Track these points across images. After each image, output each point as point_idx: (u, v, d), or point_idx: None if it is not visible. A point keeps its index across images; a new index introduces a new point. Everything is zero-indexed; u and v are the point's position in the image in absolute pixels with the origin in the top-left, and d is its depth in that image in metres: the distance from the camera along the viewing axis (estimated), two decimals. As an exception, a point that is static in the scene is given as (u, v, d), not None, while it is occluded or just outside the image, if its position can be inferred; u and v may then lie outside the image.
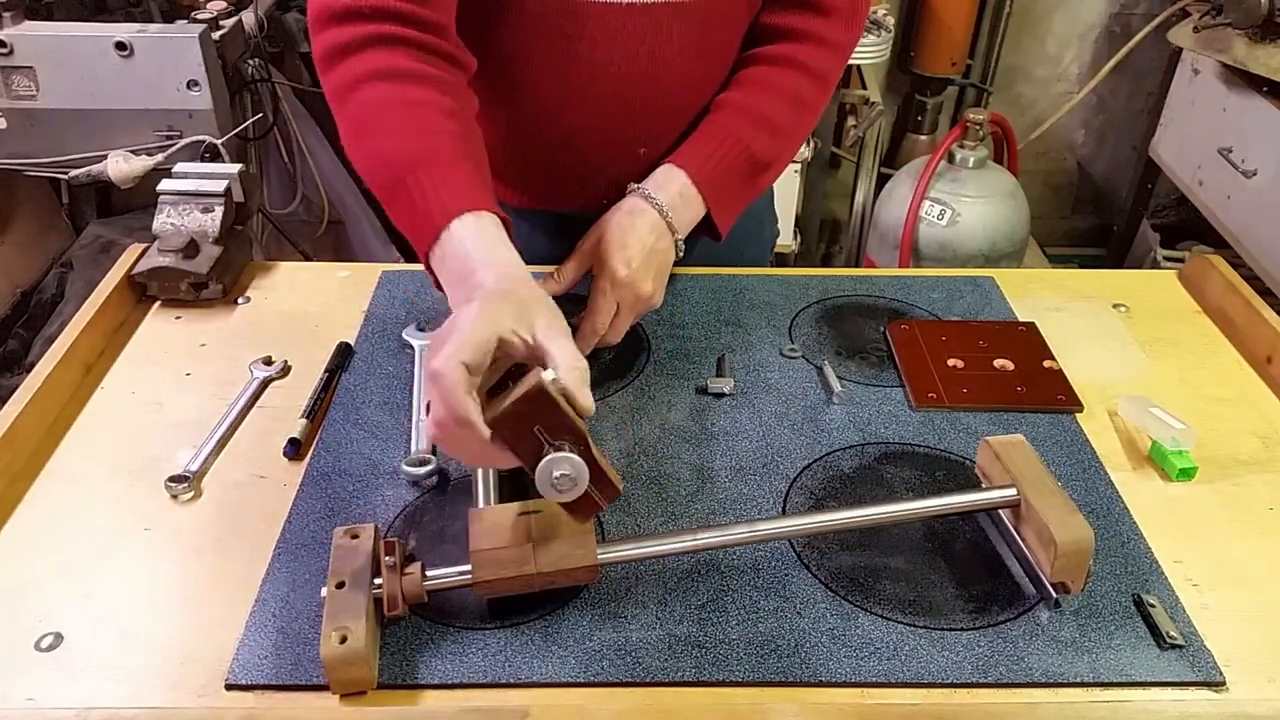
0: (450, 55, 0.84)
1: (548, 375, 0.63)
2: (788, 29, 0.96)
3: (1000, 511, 0.74)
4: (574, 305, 0.89)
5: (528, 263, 0.73)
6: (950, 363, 0.92)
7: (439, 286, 0.76)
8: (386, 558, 0.64)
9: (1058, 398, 0.88)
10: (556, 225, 1.04)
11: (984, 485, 0.75)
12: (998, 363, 0.92)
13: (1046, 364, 0.92)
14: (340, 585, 0.63)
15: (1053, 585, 0.68)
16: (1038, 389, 0.89)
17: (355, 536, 0.67)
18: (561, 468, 0.63)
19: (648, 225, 0.90)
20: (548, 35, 0.88)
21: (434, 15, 0.81)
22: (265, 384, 0.90)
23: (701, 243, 0.99)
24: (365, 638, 0.61)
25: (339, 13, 0.80)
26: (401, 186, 0.76)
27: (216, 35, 1.82)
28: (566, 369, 0.64)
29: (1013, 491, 0.71)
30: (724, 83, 0.98)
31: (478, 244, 0.72)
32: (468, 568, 0.65)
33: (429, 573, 0.66)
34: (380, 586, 0.64)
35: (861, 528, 0.73)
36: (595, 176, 0.99)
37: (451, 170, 0.76)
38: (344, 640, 0.60)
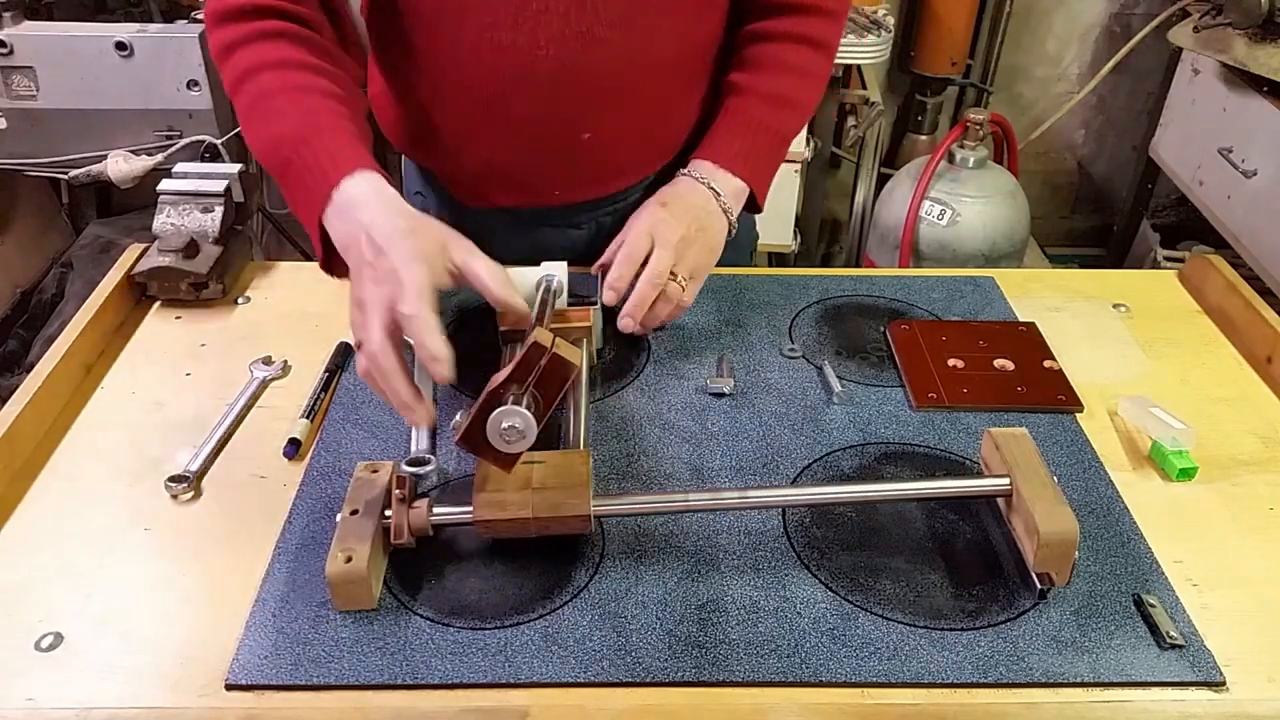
0: (330, 51, 0.89)
1: (545, 337, 0.70)
2: (784, 2, 0.97)
3: (1000, 505, 0.74)
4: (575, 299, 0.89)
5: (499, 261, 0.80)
6: (950, 363, 0.92)
7: (325, 256, 0.82)
8: (397, 491, 0.69)
9: (1058, 398, 0.88)
10: (520, 223, 1.04)
11: (984, 475, 0.76)
12: (998, 363, 0.92)
13: (1047, 364, 0.92)
14: (354, 513, 0.69)
15: (1037, 576, 0.68)
16: (1038, 389, 0.89)
17: (375, 471, 0.72)
18: (511, 419, 0.68)
19: (686, 185, 0.95)
20: (470, 25, 0.87)
21: (311, 14, 0.87)
22: (265, 384, 0.90)
23: None
24: (368, 560, 0.66)
25: (228, 12, 0.86)
26: (291, 164, 0.81)
27: (216, 35, 1.82)
28: (491, 277, 0.77)
29: (1006, 481, 0.71)
30: (701, 64, 0.99)
31: (368, 196, 0.77)
32: (469, 507, 0.69)
33: (435, 509, 0.70)
34: (390, 517, 0.69)
35: (851, 503, 0.76)
36: (543, 167, 0.98)
37: (335, 139, 0.81)
38: (349, 560, 0.65)
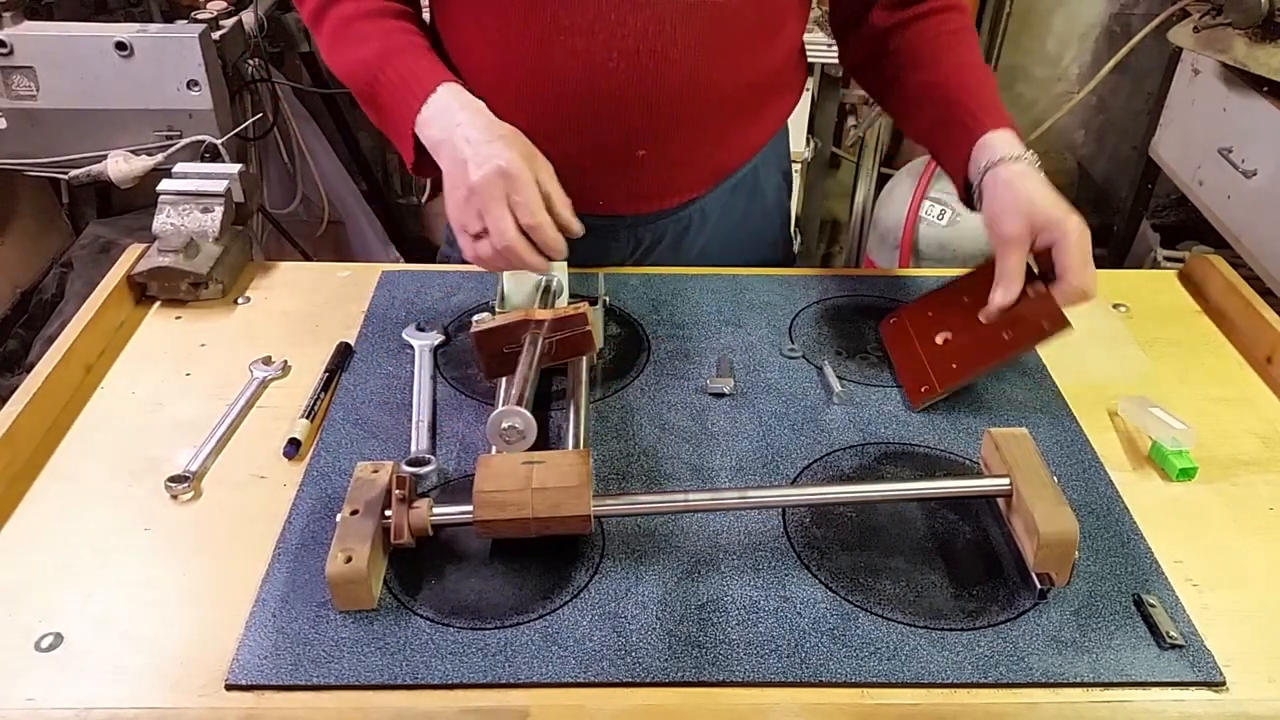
0: None
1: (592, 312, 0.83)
2: (927, 9, 0.96)
3: (1000, 506, 0.74)
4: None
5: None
6: (939, 339, 0.91)
7: (415, 159, 0.88)
8: (397, 490, 0.70)
9: (1042, 326, 0.83)
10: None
11: (984, 475, 0.76)
12: (983, 315, 0.87)
13: (1030, 291, 0.85)
14: (354, 513, 0.69)
15: (1037, 576, 0.68)
16: (1023, 325, 0.85)
17: (375, 471, 0.72)
18: (511, 419, 0.71)
19: (1028, 173, 0.85)
20: (545, 25, 0.88)
21: None
22: (265, 384, 0.90)
23: (704, 251, 1.01)
24: (368, 560, 0.66)
25: None
26: (380, 80, 0.87)
27: (216, 35, 1.82)
28: (563, 202, 0.83)
29: (1006, 481, 0.71)
30: (764, 82, 0.98)
31: (464, 103, 0.85)
32: (469, 507, 0.69)
33: (435, 509, 0.70)
34: (390, 517, 0.69)
35: (851, 503, 0.76)
36: (592, 177, 0.97)
37: (423, 57, 0.89)
38: (349, 560, 0.65)
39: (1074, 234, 0.81)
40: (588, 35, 0.87)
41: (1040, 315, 0.83)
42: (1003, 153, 0.85)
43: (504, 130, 0.83)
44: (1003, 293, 0.84)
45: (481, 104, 0.86)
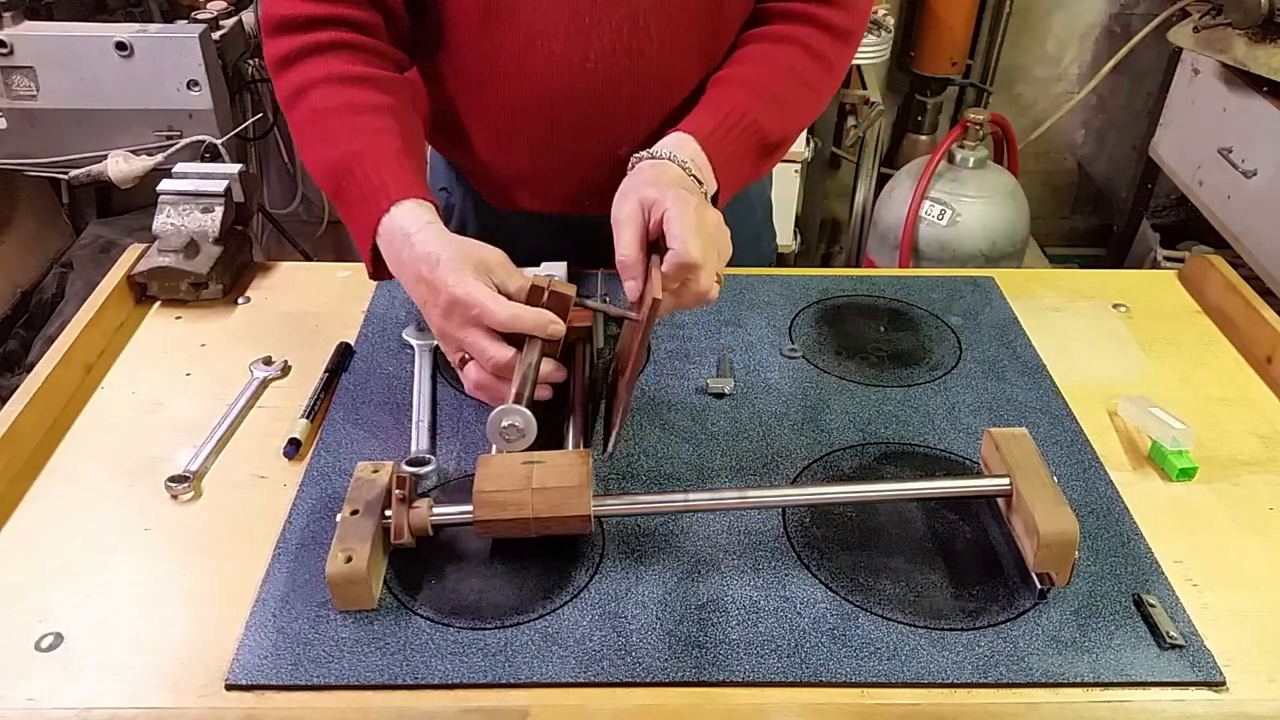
0: (384, 53, 0.88)
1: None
2: (787, 11, 0.94)
3: (1000, 506, 0.74)
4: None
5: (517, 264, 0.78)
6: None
7: (374, 268, 0.82)
8: (397, 491, 0.69)
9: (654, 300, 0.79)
10: (547, 229, 1.04)
11: (984, 475, 0.76)
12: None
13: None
14: (355, 513, 0.69)
15: (1037, 576, 0.68)
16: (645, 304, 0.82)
17: (375, 471, 0.72)
18: (511, 418, 0.71)
19: (649, 166, 0.83)
20: (522, 31, 0.87)
21: (368, 17, 0.86)
22: (265, 384, 0.90)
23: None
24: (368, 560, 0.66)
25: (282, 22, 0.85)
26: (342, 190, 0.82)
27: (216, 35, 1.82)
28: (496, 306, 0.73)
29: (1006, 481, 0.71)
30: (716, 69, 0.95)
31: (413, 222, 0.78)
32: (469, 507, 0.69)
33: (435, 509, 0.70)
34: (390, 517, 0.69)
35: (851, 503, 0.76)
36: (576, 178, 0.98)
37: (383, 166, 0.81)
38: (349, 560, 0.65)
39: (672, 206, 0.75)
40: (564, 39, 0.87)
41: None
42: (656, 151, 0.84)
43: (455, 250, 0.75)
44: (631, 284, 0.77)
45: (438, 226, 0.78)
